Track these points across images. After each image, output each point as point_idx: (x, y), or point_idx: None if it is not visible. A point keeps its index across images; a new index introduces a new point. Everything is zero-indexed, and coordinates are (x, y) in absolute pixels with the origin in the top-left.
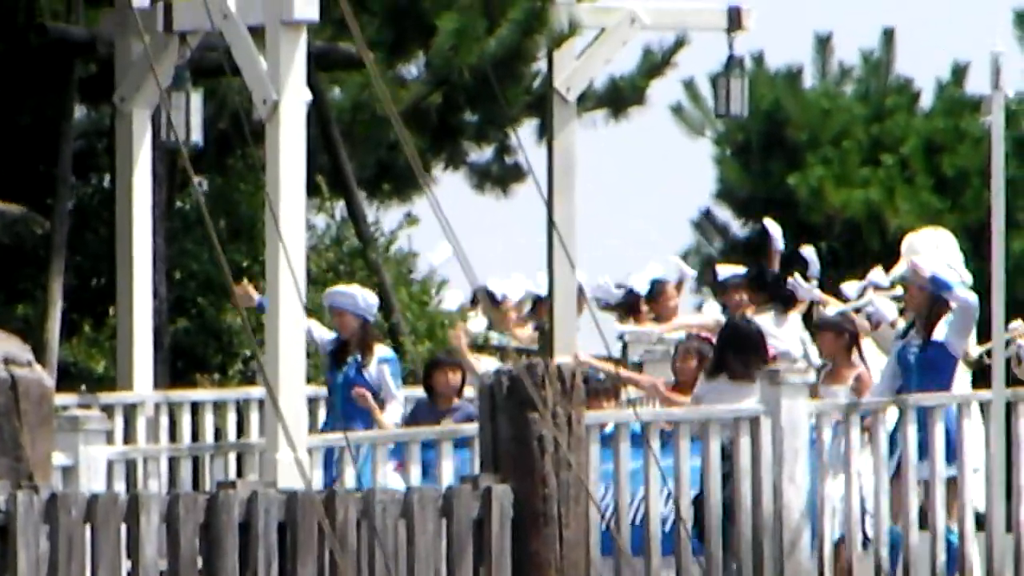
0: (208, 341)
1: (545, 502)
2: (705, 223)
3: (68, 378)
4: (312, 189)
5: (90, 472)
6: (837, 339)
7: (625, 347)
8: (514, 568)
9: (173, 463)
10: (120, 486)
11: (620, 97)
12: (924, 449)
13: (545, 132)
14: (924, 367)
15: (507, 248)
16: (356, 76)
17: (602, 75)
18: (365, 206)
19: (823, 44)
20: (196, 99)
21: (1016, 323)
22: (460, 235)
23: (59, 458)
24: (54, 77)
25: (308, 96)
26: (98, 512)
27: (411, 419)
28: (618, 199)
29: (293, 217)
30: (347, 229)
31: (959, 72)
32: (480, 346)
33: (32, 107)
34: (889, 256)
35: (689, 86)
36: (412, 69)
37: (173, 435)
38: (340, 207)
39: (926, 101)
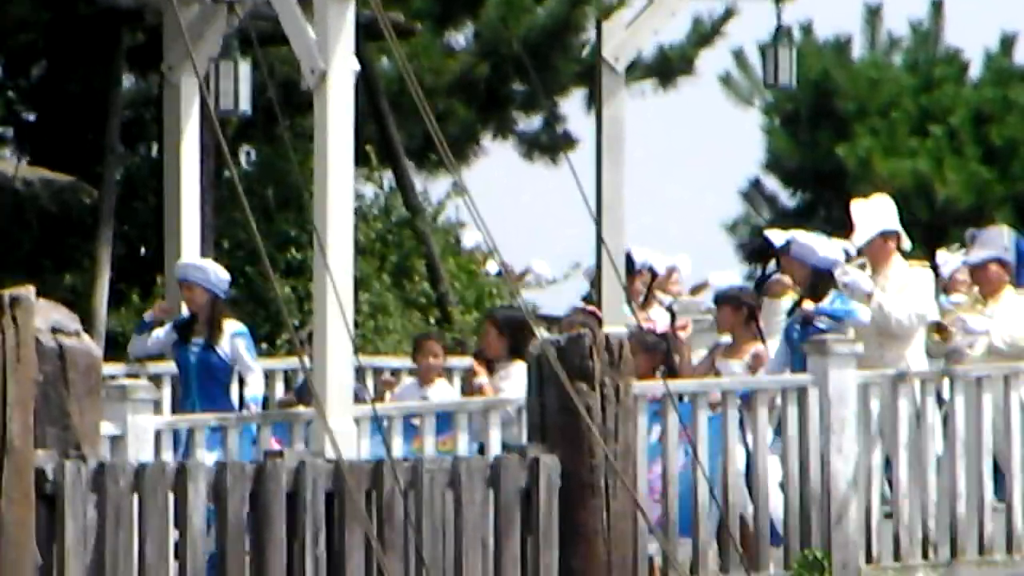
0: (256, 311)
1: (592, 473)
2: (753, 193)
3: (116, 347)
4: (360, 159)
5: (138, 442)
6: (735, 313)
7: (673, 317)
8: (561, 538)
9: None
10: (168, 456)
11: (669, 67)
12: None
13: (594, 102)
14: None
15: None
16: (404, 47)
17: (651, 45)
18: (413, 176)
19: (872, 14)
20: (244, 68)
21: (957, 297)
22: (508, 204)
23: (107, 428)
24: (102, 46)
25: (356, 66)
26: (146, 482)
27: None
28: (666, 168)
29: (341, 187)
30: (395, 199)
31: (1008, 42)
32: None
33: (80, 76)
34: (938, 227)
35: (738, 56)
36: (460, 39)
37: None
38: (388, 177)
39: (975, 71)
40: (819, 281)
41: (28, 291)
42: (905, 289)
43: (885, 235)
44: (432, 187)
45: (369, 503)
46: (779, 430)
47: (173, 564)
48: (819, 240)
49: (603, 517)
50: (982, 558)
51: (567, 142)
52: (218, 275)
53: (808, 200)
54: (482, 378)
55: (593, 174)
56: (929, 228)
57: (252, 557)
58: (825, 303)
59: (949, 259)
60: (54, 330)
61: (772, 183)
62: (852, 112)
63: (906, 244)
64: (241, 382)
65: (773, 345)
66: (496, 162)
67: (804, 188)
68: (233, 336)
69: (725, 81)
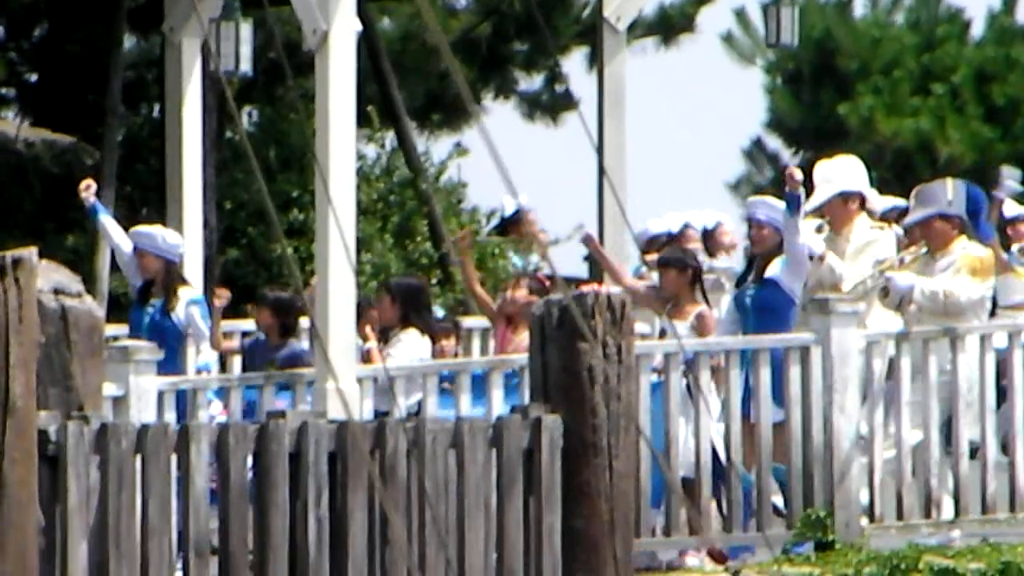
0: (258, 271)
1: (595, 432)
2: (756, 152)
3: (118, 308)
4: (362, 119)
5: (140, 403)
6: (680, 275)
7: None
8: (564, 498)
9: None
10: (170, 416)
11: (670, 25)
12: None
13: (595, 61)
14: (758, 306)
15: (557, 176)
16: (406, 6)
17: (652, 3)
18: (415, 136)
19: None
20: (245, 29)
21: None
22: (509, 164)
23: (109, 389)
24: (103, 7)
25: (358, 26)
26: (148, 443)
27: (249, 358)
28: (668, 128)
29: (342, 147)
30: (397, 159)
31: (1010, 1)
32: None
33: (82, 38)
34: None
35: (739, 15)
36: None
37: (223, 365)
38: (390, 137)
39: (977, 30)
40: (779, 250)
41: (30, 252)
42: (865, 250)
43: (846, 196)
44: (434, 147)
45: (372, 463)
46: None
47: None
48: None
49: (606, 477)
50: (985, 517)
51: (567, 102)
52: (167, 240)
53: (810, 159)
54: (370, 343)
55: (594, 134)
56: None
57: (254, 518)
58: (772, 266)
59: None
60: (56, 291)
61: (774, 142)
62: (854, 71)
63: (873, 206)
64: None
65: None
66: (497, 122)
67: (806, 147)
68: (189, 303)
69: (727, 40)
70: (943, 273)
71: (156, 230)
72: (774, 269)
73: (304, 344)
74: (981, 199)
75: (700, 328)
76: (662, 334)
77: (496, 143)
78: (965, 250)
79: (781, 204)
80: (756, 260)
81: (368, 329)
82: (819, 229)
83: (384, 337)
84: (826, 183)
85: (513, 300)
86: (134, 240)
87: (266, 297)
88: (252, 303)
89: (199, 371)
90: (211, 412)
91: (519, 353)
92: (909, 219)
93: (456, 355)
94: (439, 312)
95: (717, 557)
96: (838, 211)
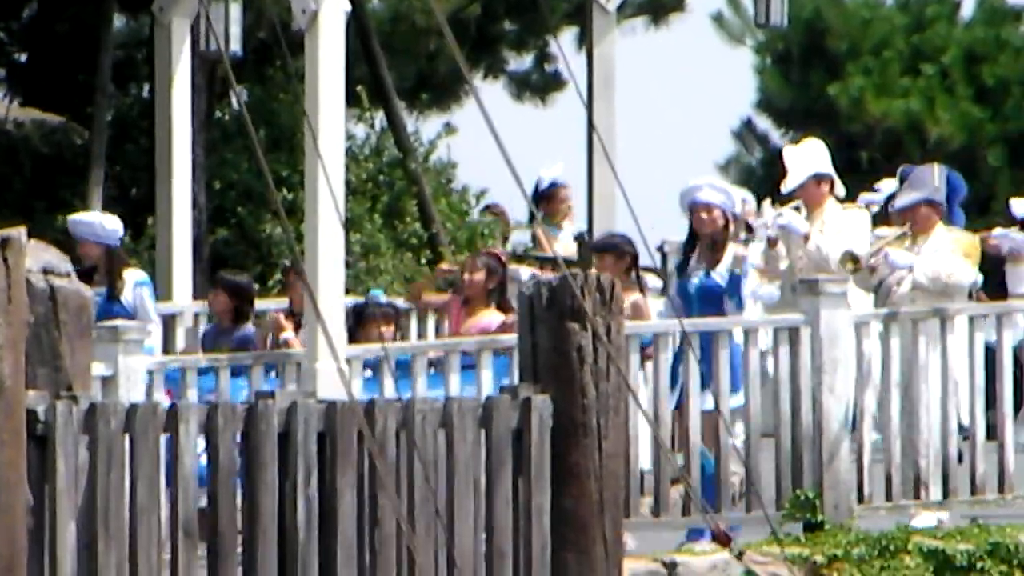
0: (248, 251)
1: (584, 412)
2: (745, 133)
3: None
4: (352, 99)
5: (129, 382)
6: (618, 262)
7: (664, 257)
8: (553, 478)
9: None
10: (159, 396)
11: (660, 5)
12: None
13: (584, 41)
14: (703, 295)
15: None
16: None
17: None
18: (404, 116)
19: None
20: (235, 9)
21: (883, 230)
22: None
23: (98, 368)
24: None
25: (347, 6)
26: (137, 422)
27: (203, 341)
28: (658, 108)
29: (332, 127)
30: (387, 139)
31: None
32: (520, 256)
33: (71, 17)
34: None
35: None
36: None
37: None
38: (380, 117)
39: (967, 10)
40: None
41: (19, 232)
42: (842, 231)
43: (818, 179)
44: (423, 127)
45: (361, 443)
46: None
47: (165, 504)
48: (731, 188)
49: (595, 457)
50: (974, 498)
51: (557, 82)
52: (105, 226)
53: (800, 140)
54: (288, 333)
55: (584, 113)
56: None
57: (243, 498)
58: (723, 260)
59: (874, 198)
60: (45, 271)
61: (764, 123)
62: (844, 51)
63: (840, 190)
64: None
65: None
66: (487, 101)
67: (796, 128)
68: (137, 285)
69: (717, 20)
70: (932, 255)
71: (94, 216)
72: (726, 264)
73: (251, 328)
74: (958, 185)
75: (635, 317)
76: None
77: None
78: (951, 233)
79: (725, 185)
80: (701, 243)
81: (282, 318)
82: (798, 209)
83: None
84: (798, 167)
85: (471, 282)
86: (72, 229)
87: (224, 280)
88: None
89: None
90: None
91: (471, 336)
92: (899, 202)
93: (394, 340)
94: (379, 297)
95: (721, 539)
96: (812, 193)
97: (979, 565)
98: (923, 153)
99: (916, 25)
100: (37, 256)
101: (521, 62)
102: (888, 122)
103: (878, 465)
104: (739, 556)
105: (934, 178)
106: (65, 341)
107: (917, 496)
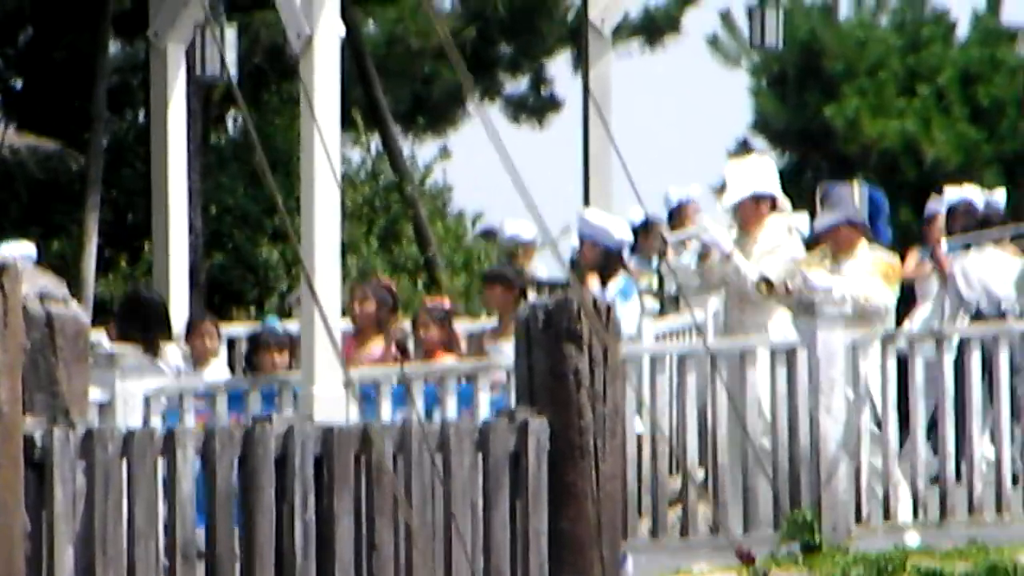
0: (244, 275)
1: (581, 435)
2: (742, 154)
3: (104, 313)
4: (347, 123)
5: (126, 408)
6: (506, 292)
7: (662, 281)
8: (551, 501)
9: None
10: (156, 421)
11: (655, 27)
12: None
13: (580, 63)
14: None
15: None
16: (390, 10)
17: (637, 5)
18: (400, 140)
19: None
20: (230, 34)
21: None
22: (495, 167)
23: (95, 394)
24: (88, 13)
25: (342, 30)
26: (135, 447)
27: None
28: (654, 130)
29: (328, 151)
30: (382, 163)
31: (994, 2)
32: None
33: (67, 43)
34: (926, 187)
35: (725, 17)
36: (446, 2)
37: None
38: (375, 141)
39: (962, 31)
40: (609, 263)
41: (15, 257)
42: (773, 253)
43: (758, 198)
44: (419, 151)
45: (358, 467)
46: None
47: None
48: (611, 220)
49: (592, 479)
50: (972, 518)
51: (553, 105)
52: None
53: (796, 161)
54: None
55: (580, 137)
56: (917, 188)
57: (240, 522)
58: (612, 286)
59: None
60: (42, 297)
61: (760, 144)
62: (839, 73)
63: (785, 208)
64: None
65: None
66: (482, 126)
67: (792, 149)
68: None
69: (712, 42)
70: (851, 277)
71: (14, 246)
72: (612, 291)
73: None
74: (881, 202)
75: None
76: None
77: (482, 145)
78: (873, 252)
79: (601, 220)
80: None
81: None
82: (731, 228)
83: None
84: (738, 184)
85: (362, 313)
86: None
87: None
88: (237, 307)
89: None
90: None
91: (364, 366)
92: (818, 225)
93: (288, 368)
94: (275, 325)
95: (744, 557)
96: (749, 212)
97: None
98: (919, 174)
99: (911, 46)
100: (33, 281)
101: (517, 85)
102: (884, 143)
103: (875, 485)
104: None
105: (854, 198)
106: (62, 367)
107: (916, 516)
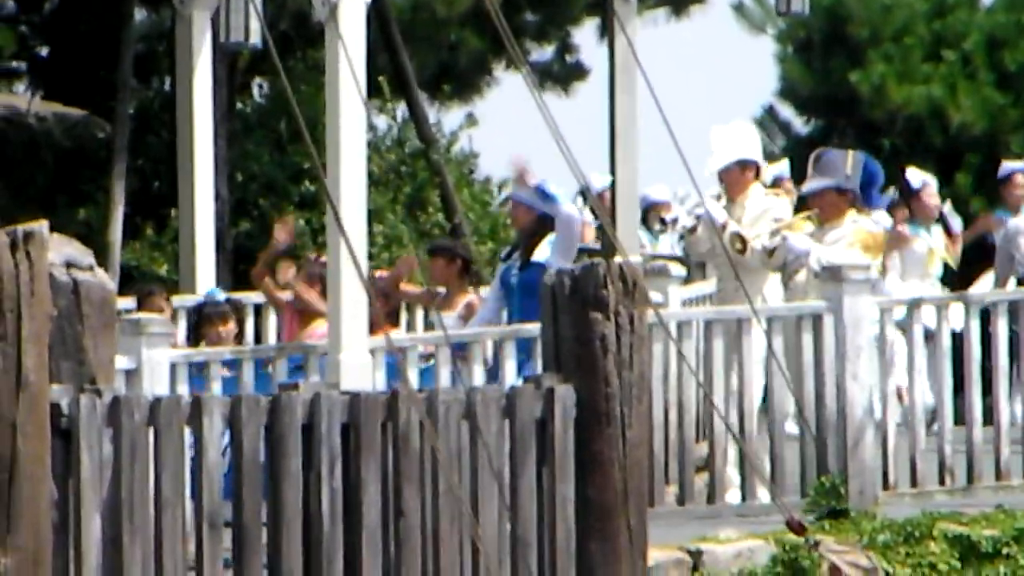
0: (270, 243)
1: (608, 402)
2: (767, 121)
3: (130, 281)
4: (373, 90)
5: (153, 375)
6: (449, 265)
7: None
8: (577, 468)
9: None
10: (183, 389)
11: None
12: None
13: (606, 31)
14: (524, 289)
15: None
16: None
17: None
18: (426, 107)
19: None
20: (256, 1)
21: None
22: (522, 135)
23: (121, 362)
24: None
25: None
26: (161, 415)
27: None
28: (680, 98)
29: (353, 119)
30: (408, 130)
31: None
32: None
33: (93, 11)
34: (951, 153)
35: None
36: None
37: (236, 337)
38: (401, 108)
39: None
40: (540, 228)
41: (41, 226)
42: (761, 220)
43: (743, 164)
44: (445, 118)
45: (385, 435)
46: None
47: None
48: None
49: (619, 446)
50: (999, 483)
51: (579, 73)
52: None
53: (822, 127)
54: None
55: (606, 105)
56: (943, 154)
57: (267, 490)
58: (542, 248)
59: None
60: (68, 264)
61: (786, 111)
62: (865, 38)
63: (767, 177)
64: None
65: None
66: (508, 92)
67: (818, 115)
68: None
69: (738, 9)
70: (834, 245)
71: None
72: (544, 252)
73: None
74: (877, 172)
75: (467, 316)
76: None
77: (506, 113)
78: (856, 223)
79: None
80: (520, 238)
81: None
82: (718, 197)
83: None
84: (724, 150)
85: (299, 296)
86: None
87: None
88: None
89: None
90: None
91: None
92: (805, 187)
93: (236, 337)
94: (219, 295)
95: (796, 528)
96: (735, 179)
97: (1004, 551)
98: (945, 139)
99: (937, 11)
100: (59, 250)
101: (543, 53)
102: (910, 109)
103: (903, 450)
104: (815, 545)
105: (847, 165)
106: (88, 335)
107: (942, 482)
